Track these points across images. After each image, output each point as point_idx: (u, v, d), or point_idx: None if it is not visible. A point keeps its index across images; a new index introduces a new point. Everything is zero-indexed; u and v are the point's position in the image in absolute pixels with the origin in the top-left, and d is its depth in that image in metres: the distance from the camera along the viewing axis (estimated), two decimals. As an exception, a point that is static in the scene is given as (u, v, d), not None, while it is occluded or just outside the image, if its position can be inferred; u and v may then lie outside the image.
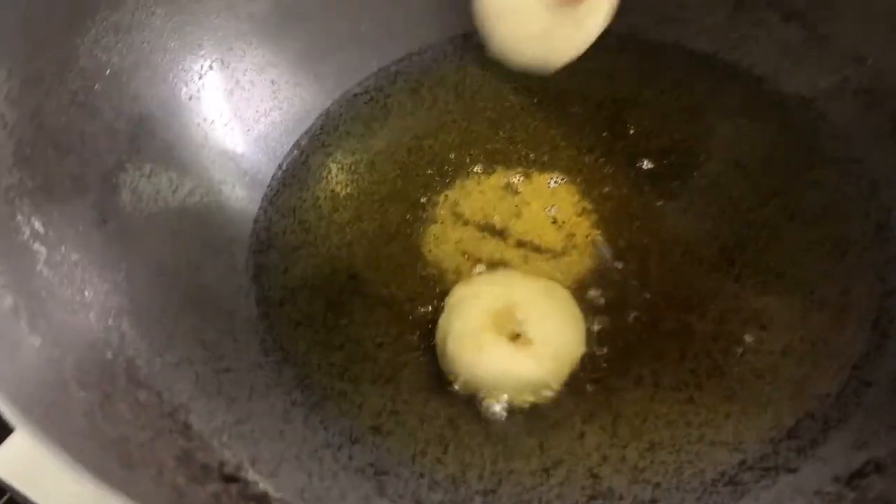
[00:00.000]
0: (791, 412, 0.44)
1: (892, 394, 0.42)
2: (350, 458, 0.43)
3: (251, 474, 0.39)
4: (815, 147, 0.54)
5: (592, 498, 0.41)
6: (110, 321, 0.43)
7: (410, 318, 0.49)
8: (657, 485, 0.42)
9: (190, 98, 0.56)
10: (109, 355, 0.41)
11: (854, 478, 0.38)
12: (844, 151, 0.54)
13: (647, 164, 0.55)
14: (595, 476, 0.42)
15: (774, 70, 0.58)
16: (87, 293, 0.44)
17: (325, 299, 0.50)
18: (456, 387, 0.46)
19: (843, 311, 0.47)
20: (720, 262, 0.49)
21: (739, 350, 0.46)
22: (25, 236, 0.42)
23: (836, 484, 0.39)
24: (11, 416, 0.30)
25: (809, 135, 0.55)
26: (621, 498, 0.41)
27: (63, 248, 0.44)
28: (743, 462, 0.42)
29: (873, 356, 0.45)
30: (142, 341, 0.44)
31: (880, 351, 0.45)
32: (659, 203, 0.53)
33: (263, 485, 0.39)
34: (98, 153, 0.49)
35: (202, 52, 0.57)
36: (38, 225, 0.43)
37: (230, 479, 0.38)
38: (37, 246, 0.42)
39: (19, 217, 0.42)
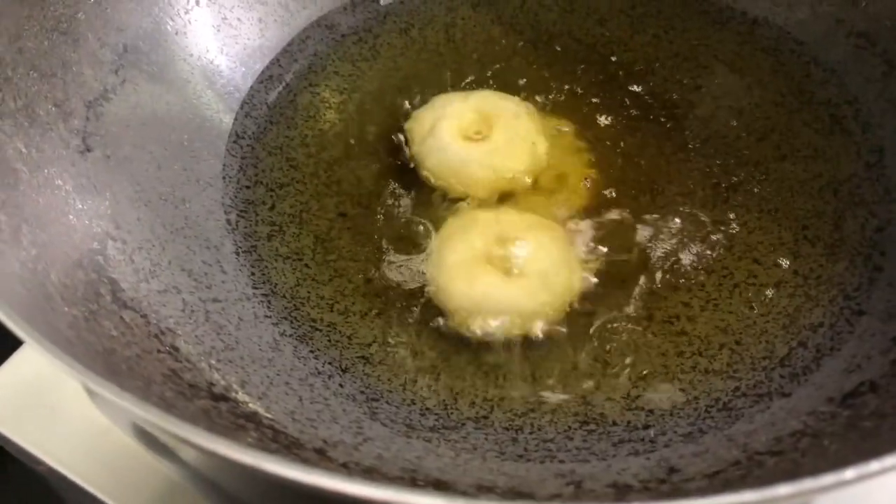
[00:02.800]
0: (784, 342, 0.44)
1: (886, 321, 0.42)
2: (341, 385, 0.43)
3: (241, 395, 0.39)
4: (807, 89, 0.54)
5: (585, 423, 0.41)
6: (95, 244, 0.43)
7: (401, 252, 0.48)
8: (650, 411, 0.41)
9: (176, 33, 0.55)
10: (94, 276, 0.40)
11: (848, 397, 0.38)
12: (837, 93, 0.54)
13: (639, 106, 0.54)
14: (588, 403, 0.42)
15: (767, 13, 0.57)
16: (70, 217, 0.43)
17: (313, 235, 0.49)
18: (448, 319, 0.45)
19: (835, 245, 0.47)
20: (713, 199, 0.49)
21: (732, 283, 0.46)
22: (7, 154, 0.41)
23: (830, 404, 0.39)
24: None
25: (802, 77, 0.55)
26: (614, 423, 0.41)
27: (46, 172, 0.43)
28: (737, 389, 0.42)
29: (865, 287, 0.45)
30: (127, 266, 0.43)
31: (872, 283, 0.45)
32: (652, 143, 0.52)
33: (253, 405, 0.38)
34: (82, 81, 0.48)
35: (188, -14, 0.56)
36: (21, 146, 0.42)
37: (219, 398, 0.38)
38: (19, 166, 0.41)
39: (1, 136, 0.41)
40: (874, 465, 0.25)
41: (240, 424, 0.36)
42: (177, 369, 0.38)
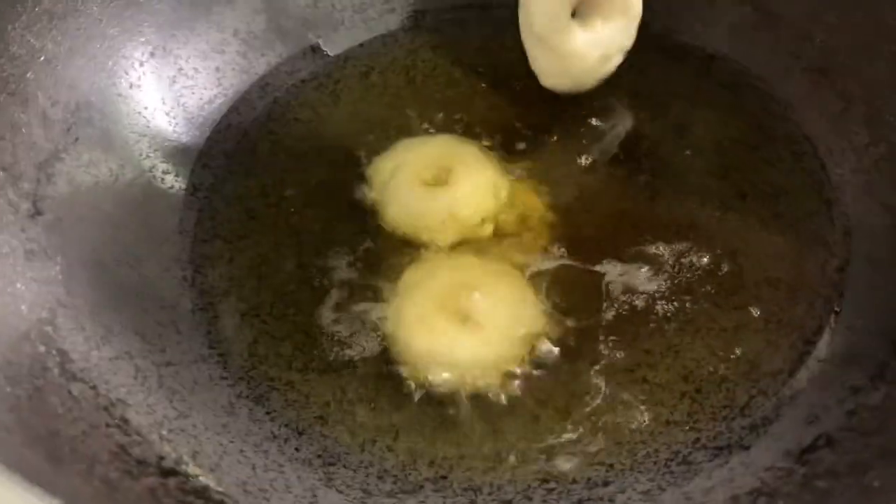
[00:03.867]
0: (744, 390, 0.43)
1: (843, 368, 0.42)
2: (297, 449, 0.42)
3: (191, 468, 0.38)
4: (767, 126, 0.54)
5: (545, 481, 0.41)
6: (44, 314, 0.42)
7: (362, 301, 0.48)
8: (610, 466, 0.41)
9: (130, 86, 0.54)
10: (42, 348, 0.40)
11: (805, 453, 0.38)
12: (795, 130, 0.54)
13: (599, 145, 0.54)
14: (548, 459, 0.42)
15: (726, 49, 0.57)
16: (18, 285, 0.42)
17: (272, 289, 0.49)
18: (406, 373, 0.45)
19: (796, 287, 0.47)
20: (675, 241, 0.49)
21: (693, 328, 0.46)
22: (-49, 225, 0.40)
23: (788, 459, 0.38)
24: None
25: (761, 114, 0.55)
26: (574, 481, 0.41)
27: (-7, 239, 0.43)
28: (696, 441, 0.42)
29: (825, 331, 0.45)
30: (78, 335, 0.42)
31: (832, 326, 0.45)
32: (613, 182, 0.52)
33: (205, 478, 0.38)
34: (32, 142, 0.48)
35: (143, 39, 0.56)
36: (-34, 215, 0.42)
37: (169, 472, 0.37)
38: (-36, 235, 0.41)
39: (-55, 206, 0.41)
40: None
41: (187, 502, 0.35)
42: (125, 444, 0.37)
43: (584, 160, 0.54)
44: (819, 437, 0.39)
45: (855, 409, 0.39)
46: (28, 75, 0.48)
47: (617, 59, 0.54)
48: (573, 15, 0.52)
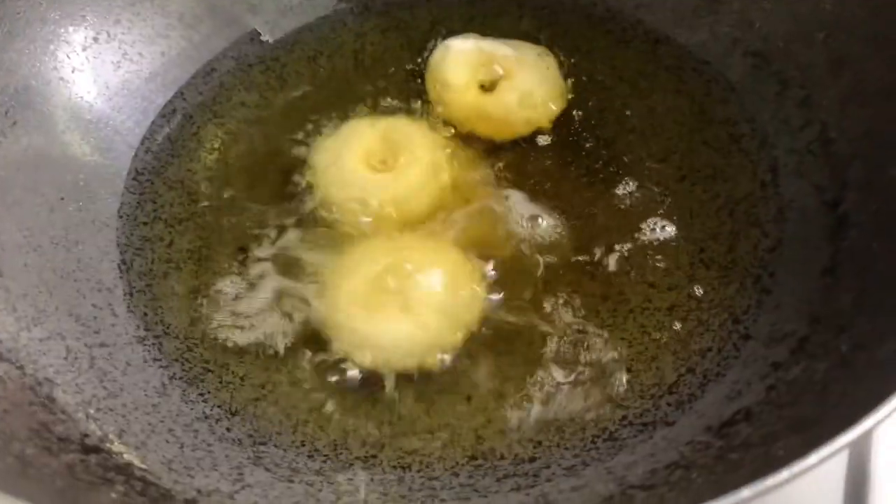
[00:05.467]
0: (674, 368, 0.44)
1: (768, 345, 0.43)
2: (228, 429, 0.42)
3: (116, 446, 0.38)
4: (708, 108, 0.55)
5: (473, 458, 0.41)
6: (-28, 295, 0.42)
7: (299, 288, 0.48)
8: (538, 443, 0.41)
9: (73, 70, 0.54)
10: (-33, 329, 0.40)
11: (723, 426, 0.39)
12: (736, 112, 0.54)
13: (542, 128, 0.54)
14: (478, 437, 0.42)
15: (669, 33, 0.58)
16: (-52, 267, 0.42)
17: (210, 272, 0.49)
18: (341, 355, 0.45)
19: (729, 268, 0.47)
20: (614, 222, 0.49)
21: (627, 308, 0.46)
22: None
23: (707, 433, 0.39)
24: None
25: (703, 96, 0.55)
26: (502, 457, 0.41)
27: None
28: (624, 418, 0.42)
29: (754, 310, 0.45)
30: (7, 316, 0.42)
31: (760, 305, 0.45)
32: (555, 163, 0.52)
33: (128, 456, 0.38)
34: (-32, 125, 0.47)
35: (86, 24, 0.55)
36: None
37: (91, 449, 0.37)
38: None
39: None
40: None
41: (107, 478, 0.35)
42: (48, 422, 0.37)
43: (528, 142, 0.54)
44: (738, 412, 0.39)
45: (774, 384, 0.40)
46: (-37, 58, 0.48)
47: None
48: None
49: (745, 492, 0.26)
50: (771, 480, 0.26)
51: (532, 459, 0.41)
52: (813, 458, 0.27)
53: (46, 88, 0.52)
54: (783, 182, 0.50)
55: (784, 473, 0.26)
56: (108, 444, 0.38)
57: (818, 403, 0.36)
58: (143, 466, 0.37)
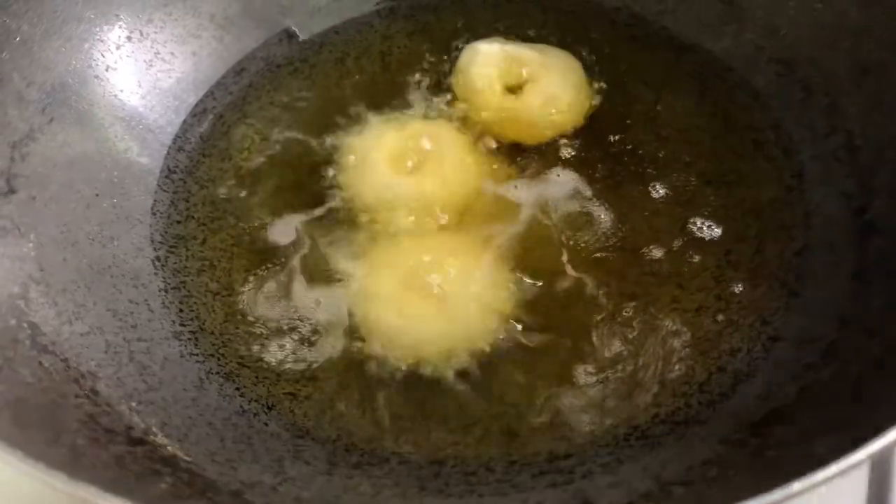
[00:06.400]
0: (704, 367, 0.44)
1: (797, 346, 0.43)
2: (266, 423, 0.43)
3: (160, 438, 0.39)
4: (732, 114, 0.55)
5: (508, 454, 0.42)
6: (16, 289, 0.42)
7: (333, 286, 0.48)
8: (571, 441, 0.42)
9: (107, 69, 0.55)
10: (13, 322, 0.40)
11: (757, 425, 0.39)
12: (759, 118, 0.55)
13: (568, 133, 0.55)
14: (512, 434, 0.43)
15: (694, 40, 0.58)
16: (-9, 261, 0.43)
17: (244, 269, 0.50)
18: (374, 351, 0.45)
19: (756, 270, 0.48)
20: (639, 225, 0.50)
21: (656, 308, 0.47)
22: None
23: (742, 432, 0.39)
24: None
25: (727, 103, 0.56)
26: (537, 454, 0.42)
27: (-35, 215, 0.43)
28: (656, 416, 0.43)
29: (782, 312, 0.46)
30: (49, 310, 0.43)
31: (789, 307, 0.46)
32: (580, 168, 0.53)
33: (172, 448, 0.39)
34: (7, 122, 0.48)
35: (120, 23, 0.56)
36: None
37: (137, 441, 0.38)
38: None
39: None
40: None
41: (155, 469, 0.36)
42: (94, 414, 0.38)
43: (551, 146, 0.55)
44: (772, 412, 0.40)
45: (807, 385, 0.40)
46: (3, 55, 0.49)
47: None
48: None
49: (796, 485, 0.26)
50: (820, 475, 0.27)
51: (567, 456, 0.41)
52: (861, 454, 0.27)
53: (82, 86, 0.53)
54: (809, 188, 0.51)
55: (832, 468, 0.27)
56: (151, 437, 0.38)
57: (854, 404, 0.37)
58: (188, 458, 0.38)
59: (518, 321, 0.46)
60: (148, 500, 0.26)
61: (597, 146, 0.55)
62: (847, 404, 0.37)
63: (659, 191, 0.52)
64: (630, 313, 0.47)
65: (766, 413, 0.40)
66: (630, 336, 0.46)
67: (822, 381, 0.40)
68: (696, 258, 0.49)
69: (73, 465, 0.31)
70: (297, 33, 0.60)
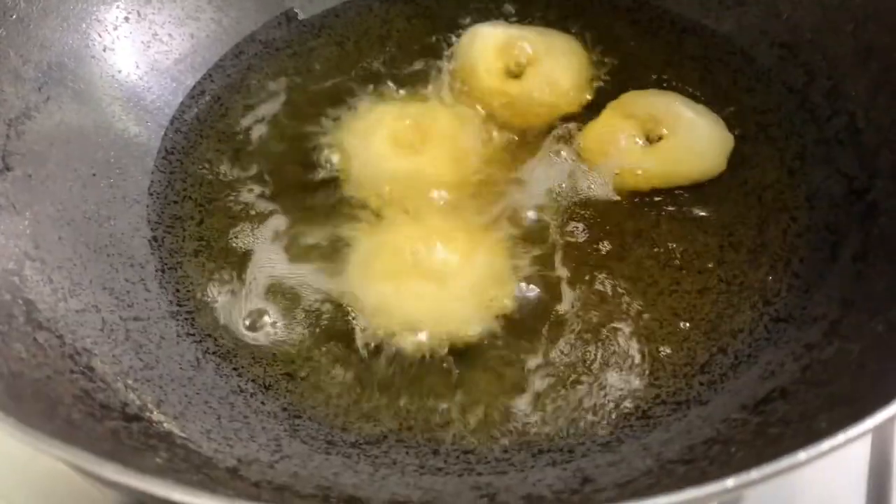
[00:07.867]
0: (705, 348, 0.44)
1: (799, 326, 0.43)
2: (262, 403, 0.42)
3: (156, 415, 0.38)
4: (734, 97, 0.55)
5: (507, 433, 0.41)
6: (10, 265, 0.42)
7: (330, 265, 0.48)
8: (571, 420, 0.42)
9: (104, 49, 0.54)
10: (7, 297, 0.40)
11: (759, 404, 0.39)
12: (762, 101, 0.54)
13: (569, 116, 0.55)
14: (510, 413, 0.42)
15: (696, 23, 0.58)
16: (-15, 236, 0.42)
17: (241, 251, 0.49)
18: (372, 330, 0.45)
19: (758, 251, 0.48)
20: (640, 205, 0.50)
21: (656, 290, 0.46)
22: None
23: (743, 411, 0.39)
24: None
25: (729, 85, 0.56)
26: (536, 433, 0.41)
27: (-40, 191, 0.43)
28: (657, 396, 0.42)
29: (784, 293, 0.46)
30: (45, 287, 0.43)
31: (791, 289, 0.46)
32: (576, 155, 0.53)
33: (168, 425, 0.38)
34: (2, 99, 0.48)
35: (118, 3, 0.56)
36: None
37: (132, 418, 0.37)
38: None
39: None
40: (753, 474, 0.25)
41: (150, 445, 0.35)
42: (89, 390, 0.37)
43: (552, 129, 0.54)
44: (773, 391, 0.39)
45: (809, 364, 0.40)
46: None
47: None
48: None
49: (802, 454, 0.26)
50: (826, 444, 0.27)
51: (566, 435, 0.41)
52: (868, 423, 0.27)
53: (79, 66, 0.52)
54: (811, 170, 0.50)
55: (840, 437, 0.27)
56: (147, 413, 0.38)
57: (856, 381, 0.36)
58: (184, 435, 0.38)
59: (515, 301, 0.46)
60: (143, 472, 0.25)
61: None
62: (849, 382, 0.37)
63: (660, 173, 0.52)
64: (630, 295, 0.46)
65: (768, 392, 0.39)
66: (629, 318, 0.45)
67: (823, 360, 0.40)
68: (698, 240, 0.48)
69: (70, 437, 0.31)
70: (298, 14, 0.59)
